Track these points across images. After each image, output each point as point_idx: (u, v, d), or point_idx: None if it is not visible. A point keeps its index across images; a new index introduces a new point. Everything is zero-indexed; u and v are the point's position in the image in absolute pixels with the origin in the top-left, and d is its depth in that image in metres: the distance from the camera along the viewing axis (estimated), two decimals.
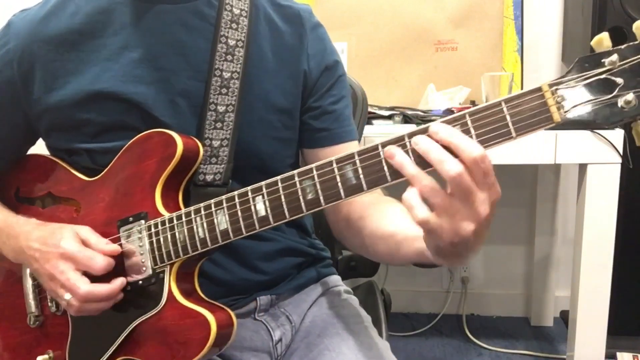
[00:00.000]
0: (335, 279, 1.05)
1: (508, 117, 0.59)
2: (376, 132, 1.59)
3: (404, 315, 2.31)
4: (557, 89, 0.58)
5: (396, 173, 0.64)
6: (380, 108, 1.77)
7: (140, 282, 0.81)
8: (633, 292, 1.86)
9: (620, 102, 0.57)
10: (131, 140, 0.84)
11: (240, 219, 0.73)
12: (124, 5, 0.85)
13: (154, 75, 0.84)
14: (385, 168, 0.65)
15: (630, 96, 0.56)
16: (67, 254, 0.78)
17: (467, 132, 0.60)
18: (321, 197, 0.68)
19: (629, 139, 1.48)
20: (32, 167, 0.95)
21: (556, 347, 2.05)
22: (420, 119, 1.62)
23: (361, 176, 0.66)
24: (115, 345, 0.82)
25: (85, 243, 0.79)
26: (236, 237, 0.74)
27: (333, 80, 0.94)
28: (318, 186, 0.68)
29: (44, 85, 0.86)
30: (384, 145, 0.64)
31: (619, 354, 1.81)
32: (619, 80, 0.57)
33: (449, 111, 1.68)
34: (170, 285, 0.79)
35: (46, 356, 0.89)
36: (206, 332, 0.75)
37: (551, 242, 2.14)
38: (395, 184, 0.65)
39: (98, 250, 0.78)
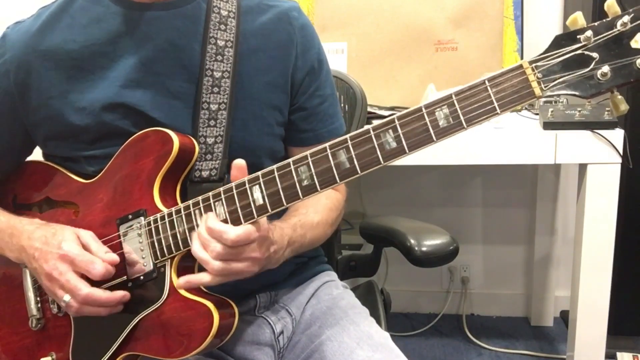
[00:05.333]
0: (331, 274, 1.07)
1: (492, 95, 0.63)
2: None
3: (403, 315, 2.31)
4: (537, 66, 0.63)
5: (388, 156, 0.67)
6: (380, 108, 1.76)
7: (142, 277, 0.82)
8: (633, 292, 1.86)
9: (597, 75, 0.61)
10: (128, 140, 0.85)
11: (239, 209, 0.75)
12: (118, 14, 0.87)
13: (151, 79, 0.86)
14: (377, 151, 0.68)
15: (605, 69, 0.60)
16: (67, 256, 0.78)
17: (454, 111, 0.65)
18: (317, 183, 0.71)
19: (629, 139, 1.48)
20: (29, 173, 0.97)
21: (556, 347, 2.05)
22: None
23: (354, 160, 0.68)
24: (119, 342, 0.82)
25: (85, 248, 0.80)
26: None
27: (320, 80, 0.97)
28: (313, 172, 0.70)
29: (41, 95, 0.88)
30: (375, 129, 0.68)
31: (619, 354, 1.81)
32: (595, 54, 0.61)
33: None
34: (172, 278, 0.80)
35: (49, 358, 0.89)
36: (209, 323, 0.76)
37: (551, 242, 2.14)
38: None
39: (98, 257, 0.79)
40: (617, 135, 1.46)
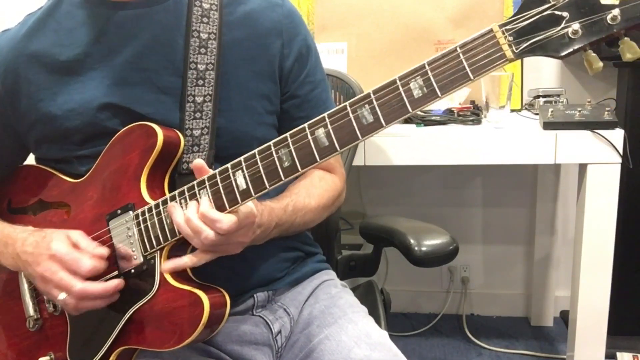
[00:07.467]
0: (329, 273, 1.07)
1: (464, 61, 0.63)
2: None
3: (403, 315, 2.31)
4: (507, 29, 0.62)
5: (366, 130, 0.68)
6: None
7: (133, 270, 0.82)
8: (633, 292, 1.86)
9: (568, 34, 0.61)
10: (114, 137, 0.86)
11: (223, 195, 0.75)
12: (101, 16, 0.88)
13: (138, 76, 0.87)
14: (355, 126, 0.68)
15: (576, 26, 0.60)
16: (56, 256, 0.79)
17: (427, 80, 0.65)
18: (297, 163, 0.71)
19: (629, 139, 1.48)
20: (23, 177, 0.98)
21: (556, 347, 2.05)
22: (420, 119, 1.61)
23: (333, 137, 0.69)
24: (113, 337, 0.83)
25: (75, 246, 0.81)
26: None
27: (309, 66, 0.97)
28: (294, 153, 0.71)
29: (31, 99, 0.89)
30: (352, 104, 0.68)
31: (619, 354, 1.81)
32: (564, 13, 0.61)
33: (449, 111, 1.68)
34: (162, 269, 0.80)
35: (47, 357, 0.89)
36: (199, 311, 0.76)
37: (551, 242, 2.14)
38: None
39: (87, 253, 0.80)
40: (617, 135, 1.46)
